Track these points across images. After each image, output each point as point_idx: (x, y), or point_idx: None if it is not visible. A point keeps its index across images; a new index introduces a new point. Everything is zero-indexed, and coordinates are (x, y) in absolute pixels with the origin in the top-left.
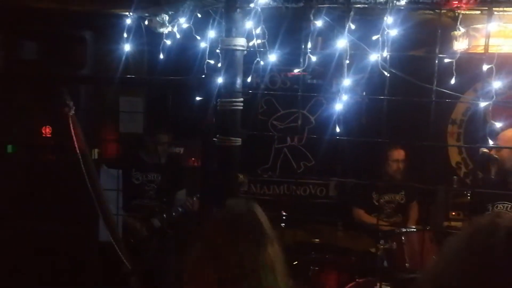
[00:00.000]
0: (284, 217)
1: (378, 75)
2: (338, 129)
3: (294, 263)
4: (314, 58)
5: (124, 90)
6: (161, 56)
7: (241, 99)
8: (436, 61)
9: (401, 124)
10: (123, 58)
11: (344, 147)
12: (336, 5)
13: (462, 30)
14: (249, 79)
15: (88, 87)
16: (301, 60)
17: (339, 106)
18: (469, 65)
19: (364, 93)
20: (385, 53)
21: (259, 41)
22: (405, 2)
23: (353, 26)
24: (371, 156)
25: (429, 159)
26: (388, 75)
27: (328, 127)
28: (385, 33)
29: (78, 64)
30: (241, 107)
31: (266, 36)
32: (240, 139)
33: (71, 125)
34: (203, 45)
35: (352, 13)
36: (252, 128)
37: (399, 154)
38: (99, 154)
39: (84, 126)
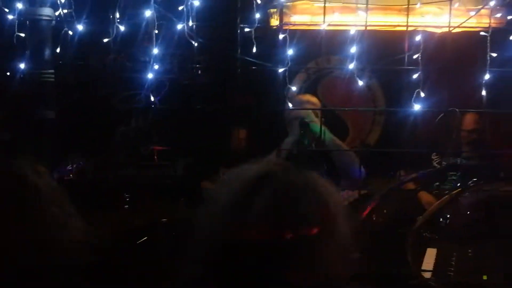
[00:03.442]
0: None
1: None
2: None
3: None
4: (122, 28)
5: None
6: None
7: (52, 70)
8: (238, 31)
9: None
10: None
11: (189, 126)
12: None
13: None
14: (58, 50)
15: None
16: (110, 30)
17: (150, 75)
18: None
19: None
20: (191, 23)
21: (65, 10)
22: None
23: None
24: (215, 132)
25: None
26: (196, 44)
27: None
28: (189, 3)
29: None
30: (52, 79)
31: (73, 6)
32: (53, 111)
33: None
34: (11, 17)
35: None
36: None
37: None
38: None
39: None
